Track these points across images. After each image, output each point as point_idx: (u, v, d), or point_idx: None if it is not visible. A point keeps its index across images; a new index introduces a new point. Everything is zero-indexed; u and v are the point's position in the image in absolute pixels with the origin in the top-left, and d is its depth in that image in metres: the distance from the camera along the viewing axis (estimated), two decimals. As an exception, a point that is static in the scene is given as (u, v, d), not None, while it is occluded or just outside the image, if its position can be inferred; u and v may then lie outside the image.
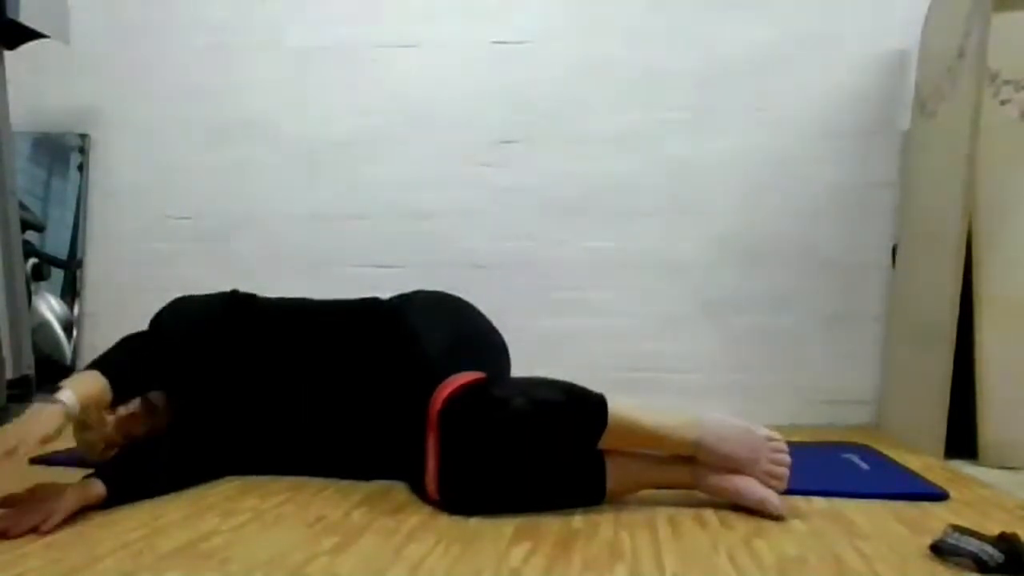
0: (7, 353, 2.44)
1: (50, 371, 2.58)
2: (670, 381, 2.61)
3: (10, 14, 2.39)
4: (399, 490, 1.64)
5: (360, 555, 1.23)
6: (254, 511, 1.48)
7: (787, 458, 1.51)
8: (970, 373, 2.02)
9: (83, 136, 2.92)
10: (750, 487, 1.48)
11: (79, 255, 2.90)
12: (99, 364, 1.55)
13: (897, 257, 2.52)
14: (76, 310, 2.89)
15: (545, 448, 1.48)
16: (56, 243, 2.90)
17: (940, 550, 1.21)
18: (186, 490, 1.61)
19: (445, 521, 1.42)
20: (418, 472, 1.53)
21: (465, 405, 1.47)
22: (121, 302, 2.79)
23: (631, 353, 2.63)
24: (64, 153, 2.92)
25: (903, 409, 2.35)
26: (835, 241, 2.59)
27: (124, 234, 2.89)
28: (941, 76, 2.23)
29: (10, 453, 1.32)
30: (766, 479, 1.49)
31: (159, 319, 1.76)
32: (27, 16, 2.45)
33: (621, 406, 1.49)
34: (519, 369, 1.84)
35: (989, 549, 1.15)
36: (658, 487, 1.56)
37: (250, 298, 1.86)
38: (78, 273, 2.90)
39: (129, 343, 1.66)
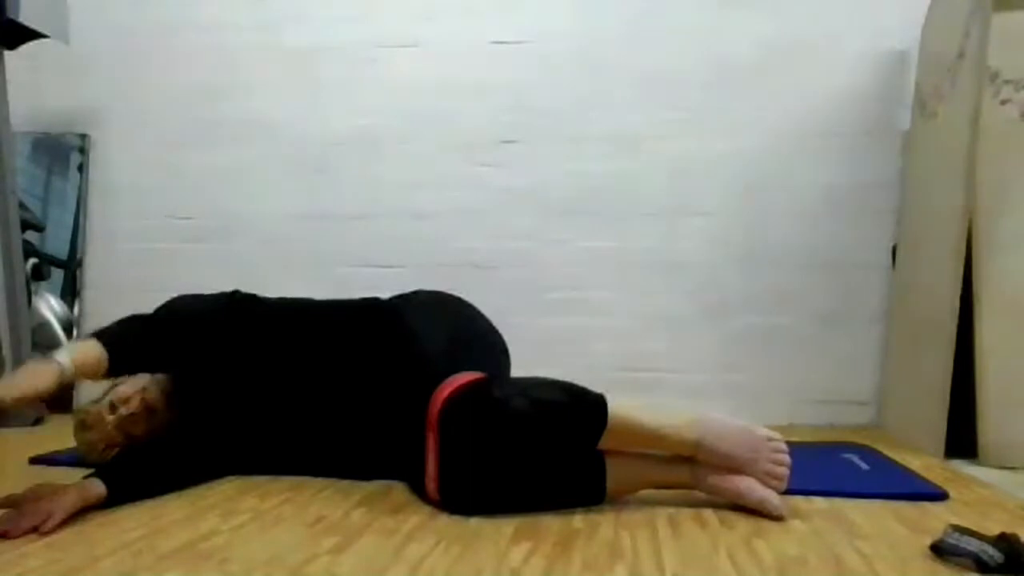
0: (7, 353, 2.44)
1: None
2: (670, 381, 2.61)
3: (10, 14, 2.40)
4: (399, 490, 1.64)
5: (360, 555, 1.23)
6: (254, 511, 1.48)
7: (787, 458, 1.51)
8: (970, 373, 2.02)
9: (83, 136, 2.92)
10: (750, 487, 1.48)
11: (79, 255, 2.90)
12: (99, 334, 1.56)
13: (897, 257, 2.52)
14: (76, 310, 2.89)
15: (545, 448, 1.48)
16: (56, 243, 2.90)
17: (940, 550, 1.21)
18: (186, 490, 1.61)
19: (445, 521, 1.42)
20: (418, 472, 1.53)
21: (465, 405, 1.47)
22: (121, 302, 2.72)
23: (631, 353, 2.63)
24: (64, 153, 2.92)
25: (903, 409, 2.35)
26: (835, 241, 2.59)
27: (124, 234, 2.89)
28: (941, 76, 2.23)
29: None
30: (766, 479, 1.49)
31: (161, 309, 1.76)
32: (27, 16, 2.46)
33: (621, 406, 1.49)
34: (519, 369, 1.84)
35: (989, 549, 1.15)
36: (658, 487, 1.56)
37: (251, 298, 1.86)
38: (78, 273, 2.90)
39: (132, 321, 1.67)
